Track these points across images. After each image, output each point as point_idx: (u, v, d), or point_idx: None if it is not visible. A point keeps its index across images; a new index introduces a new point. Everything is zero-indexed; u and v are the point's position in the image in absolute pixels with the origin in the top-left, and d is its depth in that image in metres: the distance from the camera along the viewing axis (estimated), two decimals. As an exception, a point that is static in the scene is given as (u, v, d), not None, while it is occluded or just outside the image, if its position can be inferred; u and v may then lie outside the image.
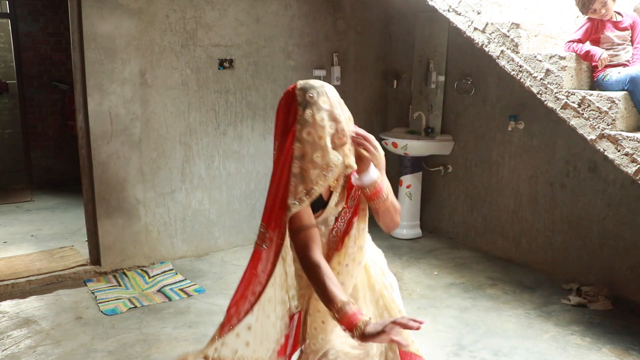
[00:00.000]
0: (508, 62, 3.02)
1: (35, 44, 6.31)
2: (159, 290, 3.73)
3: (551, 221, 4.01)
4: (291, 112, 1.52)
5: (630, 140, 2.57)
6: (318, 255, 1.52)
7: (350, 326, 1.38)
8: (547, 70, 2.85)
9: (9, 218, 5.27)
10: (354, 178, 1.63)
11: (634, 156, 2.55)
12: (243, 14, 4.29)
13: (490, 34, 3.08)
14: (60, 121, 6.55)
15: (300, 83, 1.55)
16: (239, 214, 4.55)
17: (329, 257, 1.68)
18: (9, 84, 6.87)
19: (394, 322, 1.34)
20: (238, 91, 4.37)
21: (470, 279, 3.94)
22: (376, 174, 1.59)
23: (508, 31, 2.99)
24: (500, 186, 4.35)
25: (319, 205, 1.65)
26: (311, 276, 1.50)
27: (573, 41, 2.92)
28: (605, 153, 2.67)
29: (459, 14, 3.21)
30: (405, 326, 1.33)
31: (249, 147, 4.50)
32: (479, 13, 3.11)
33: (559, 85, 2.82)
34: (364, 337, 1.36)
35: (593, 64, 2.89)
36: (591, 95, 2.71)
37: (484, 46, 3.12)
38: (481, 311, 3.44)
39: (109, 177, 3.88)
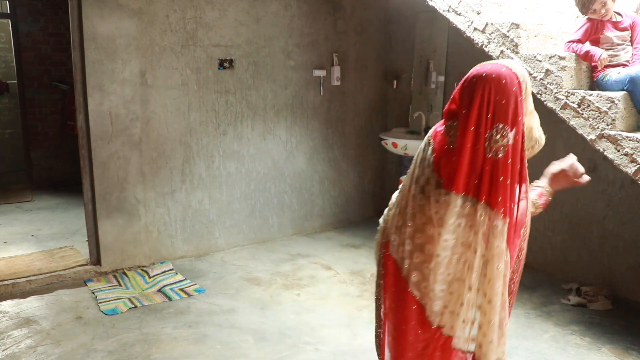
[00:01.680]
0: (508, 62, 3.02)
1: (35, 44, 6.31)
2: (159, 290, 3.73)
3: (551, 221, 4.01)
4: (518, 94, 1.55)
5: (629, 140, 2.57)
6: None
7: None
8: (547, 70, 2.85)
9: (9, 218, 5.27)
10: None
11: (634, 156, 2.55)
12: (243, 14, 4.29)
13: (490, 34, 3.08)
14: (60, 121, 6.56)
15: (514, 65, 1.58)
16: (239, 214, 4.55)
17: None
18: (9, 84, 6.89)
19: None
20: (238, 91, 4.37)
21: (470, 279, 3.94)
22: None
23: (508, 31, 2.99)
24: (500, 186, 4.34)
25: None
26: None
27: (573, 41, 2.92)
28: (605, 153, 2.67)
29: (459, 14, 3.21)
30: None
31: (249, 147, 4.51)
32: (478, 13, 3.12)
33: (559, 85, 2.82)
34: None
35: (593, 64, 2.90)
36: (591, 95, 2.71)
37: (483, 46, 3.12)
38: (481, 311, 3.44)
39: (109, 177, 3.88)
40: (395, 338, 1.74)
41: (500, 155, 1.53)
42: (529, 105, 1.63)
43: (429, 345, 1.67)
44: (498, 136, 1.53)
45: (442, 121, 1.67)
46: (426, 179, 1.64)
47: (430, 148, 1.67)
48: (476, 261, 1.58)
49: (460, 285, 1.61)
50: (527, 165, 1.62)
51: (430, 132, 1.72)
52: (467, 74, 1.58)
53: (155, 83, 3.97)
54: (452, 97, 1.63)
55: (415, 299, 1.66)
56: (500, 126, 1.53)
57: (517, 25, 2.96)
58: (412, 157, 5.62)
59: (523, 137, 1.57)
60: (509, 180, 1.54)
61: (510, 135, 1.53)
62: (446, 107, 1.64)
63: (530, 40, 3.03)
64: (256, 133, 4.53)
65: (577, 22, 3.22)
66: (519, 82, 1.55)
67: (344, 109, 5.04)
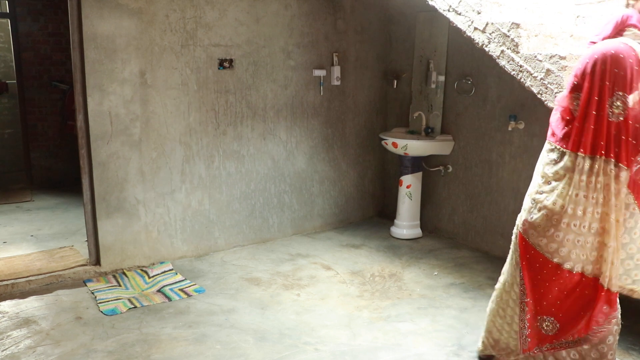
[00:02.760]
0: (508, 62, 3.02)
1: (35, 44, 6.31)
2: (158, 291, 3.73)
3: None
4: (634, 65, 1.94)
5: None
6: None
7: None
8: (548, 70, 2.85)
9: (9, 218, 5.27)
10: None
11: (634, 156, 2.55)
12: (243, 14, 4.29)
13: (490, 34, 3.07)
14: (60, 121, 6.55)
15: (630, 41, 1.99)
16: (238, 214, 4.55)
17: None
18: (9, 84, 6.89)
19: None
20: (238, 91, 4.37)
21: (470, 279, 3.94)
22: None
23: (508, 31, 2.99)
24: (500, 186, 4.35)
25: None
26: None
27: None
28: (606, 153, 2.66)
29: (459, 14, 3.21)
30: None
31: (249, 147, 4.50)
32: (479, 13, 3.11)
33: (559, 85, 2.82)
34: None
35: None
36: (591, 95, 2.70)
37: (484, 46, 3.12)
38: (481, 311, 3.44)
39: (109, 177, 3.88)
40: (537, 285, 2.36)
41: (621, 119, 1.90)
42: None
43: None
44: (618, 102, 1.89)
45: (565, 95, 2.09)
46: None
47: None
48: (598, 208, 2.06)
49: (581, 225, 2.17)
50: None
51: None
52: (589, 52, 1.97)
53: (155, 83, 3.96)
54: (574, 73, 2.03)
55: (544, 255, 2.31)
56: (620, 94, 1.91)
57: (518, 25, 2.96)
58: (412, 157, 5.60)
59: None
60: (630, 138, 1.91)
61: (629, 99, 1.88)
62: (570, 81, 2.03)
63: (530, 40, 3.02)
64: (256, 133, 4.52)
65: (577, 22, 3.22)
66: (635, 54, 1.91)
67: (344, 109, 5.03)
